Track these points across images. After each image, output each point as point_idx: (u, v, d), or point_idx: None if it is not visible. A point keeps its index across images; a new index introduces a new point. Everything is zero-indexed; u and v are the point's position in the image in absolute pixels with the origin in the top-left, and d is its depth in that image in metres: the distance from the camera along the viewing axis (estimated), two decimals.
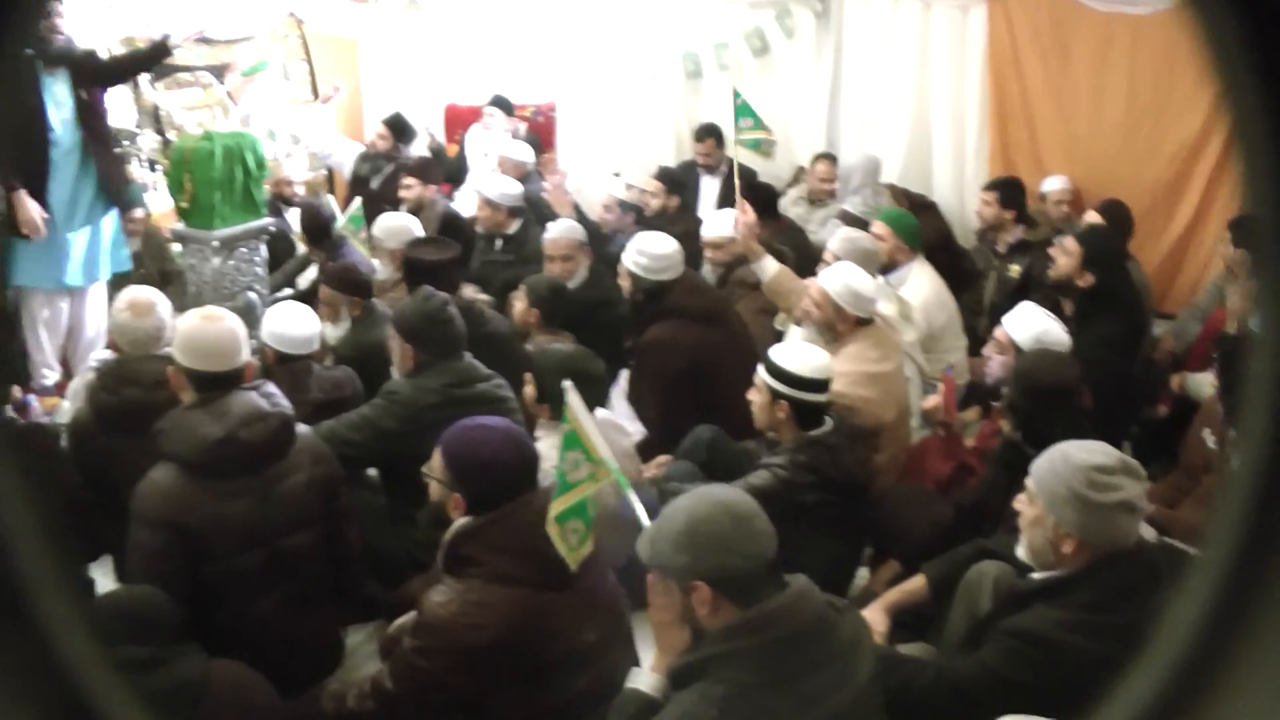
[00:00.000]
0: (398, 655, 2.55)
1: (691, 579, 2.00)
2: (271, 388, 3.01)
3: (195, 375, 2.89)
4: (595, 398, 3.35)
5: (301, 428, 3.09)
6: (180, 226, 5.15)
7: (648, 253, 4.35)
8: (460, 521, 2.53)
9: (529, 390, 3.53)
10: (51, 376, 5.58)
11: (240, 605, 2.84)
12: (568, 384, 2.41)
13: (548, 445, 3.03)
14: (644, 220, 5.94)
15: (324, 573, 3.07)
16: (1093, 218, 5.20)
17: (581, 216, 5.73)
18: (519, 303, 4.60)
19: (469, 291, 4.87)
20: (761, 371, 3.34)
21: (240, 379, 2.94)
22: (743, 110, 4.64)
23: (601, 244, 5.51)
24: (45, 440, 3.40)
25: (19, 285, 5.39)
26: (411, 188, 6.04)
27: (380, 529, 3.62)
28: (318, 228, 5.75)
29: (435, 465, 2.64)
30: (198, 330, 2.93)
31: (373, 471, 3.92)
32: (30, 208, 5.15)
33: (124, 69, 5.73)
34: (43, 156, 5.21)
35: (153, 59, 5.62)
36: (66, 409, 4.94)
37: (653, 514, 2.22)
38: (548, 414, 3.43)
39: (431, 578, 3.01)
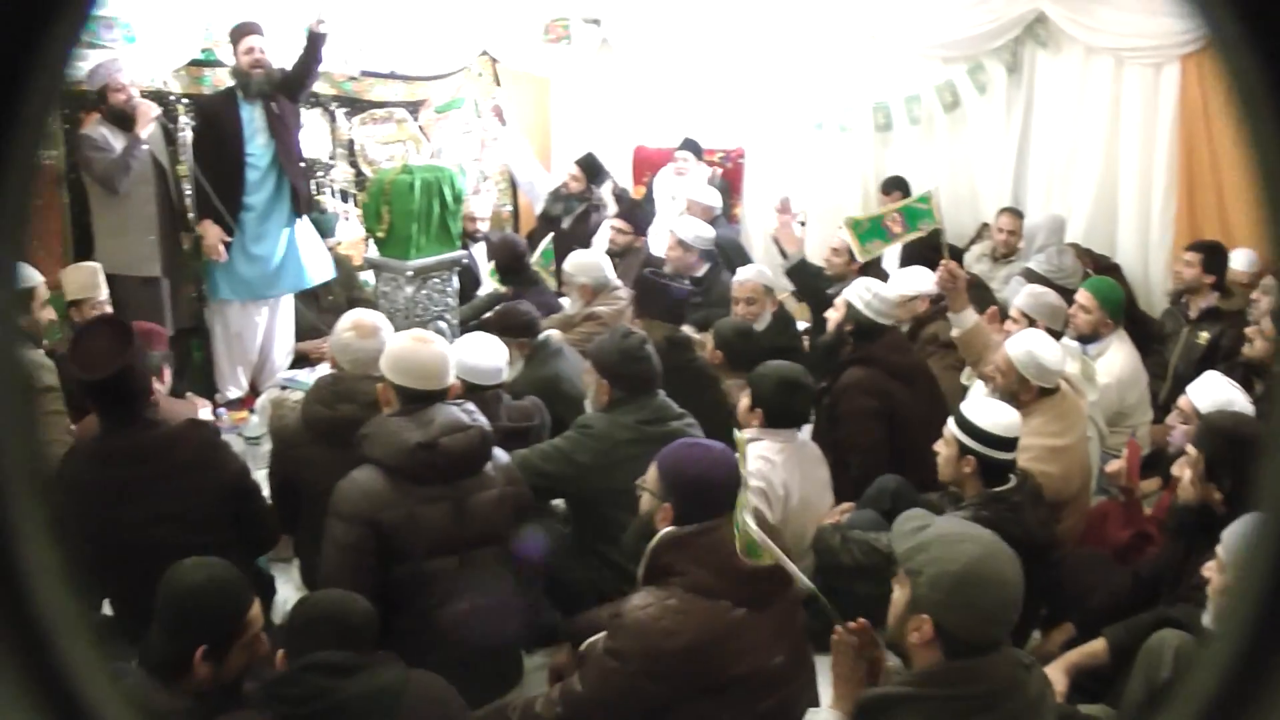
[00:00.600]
0: (590, 658, 2.61)
1: (927, 613, 2.06)
2: (472, 406, 3.20)
3: (404, 391, 3.12)
4: (802, 410, 3.79)
5: (498, 451, 3.22)
6: (375, 255, 5.26)
7: (880, 295, 4.39)
8: (665, 530, 2.61)
9: (744, 401, 3.73)
10: (236, 391, 5.81)
11: (426, 610, 2.95)
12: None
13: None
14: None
15: (509, 589, 3.16)
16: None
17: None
18: (706, 344, 4.62)
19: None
20: (951, 425, 3.33)
21: (444, 397, 3.14)
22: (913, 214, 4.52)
23: (822, 283, 5.55)
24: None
25: (220, 299, 5.66)
26: (624, 233, 6.10)
27: (565, 559, 3.67)
28: (512, 260, 5.85)
29: (650, 477, 2.74)
30: (410, 350, 3.17)
31: (559, 502, 3.96)
32: (212, 234, 5.46)
33: (302, 71, 5.88)
34: (239, 177, 5.52)
35: (314, 49, 5.78)
36: (254, 423, 5.10)
37: None
38: (760, 420, 3.65)
39: (613, 609, 3.00)
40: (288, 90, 5.76)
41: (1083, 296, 4.72)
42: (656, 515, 2.64)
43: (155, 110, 5.29)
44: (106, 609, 3.35)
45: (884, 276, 5.31)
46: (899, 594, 2.17)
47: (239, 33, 5.62)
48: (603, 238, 6.63)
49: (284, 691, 2.28)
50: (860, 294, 4.38)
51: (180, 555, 2.88)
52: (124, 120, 5.30)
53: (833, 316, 4.55)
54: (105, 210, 5.41)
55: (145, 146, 5.29)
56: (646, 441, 3.38)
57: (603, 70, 8.15)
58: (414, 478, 2.96)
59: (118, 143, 5.28)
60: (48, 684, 0.66)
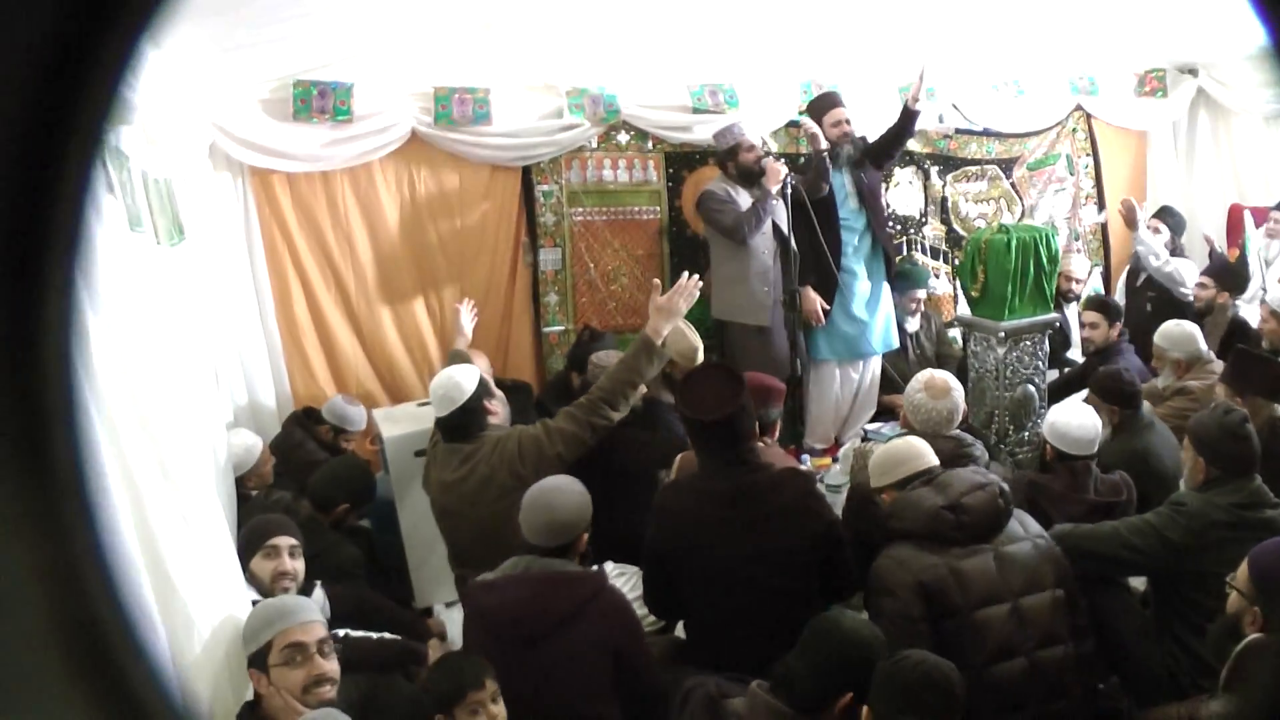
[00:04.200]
0: None
1: None
2: (980, 468, 3.30)
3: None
4: None
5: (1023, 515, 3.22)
6: (967, 314, 5.35)
7: None
8: (1253, 637, 2.48)
9: None
10: (823, 443, 6.15)
11: (984, 665, 2.92)
12: None
13: None
14: None
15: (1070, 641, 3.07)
16: None
17: None
18: None
19: None
20: None
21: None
22: None
23: None
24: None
25: (818, 358, 6.04)
26: (1206, 288, 5.78)
27: (1142, 642, 3.55)
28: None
29: (1240, 576, 2.61)
30: (884, 454, 3.36)
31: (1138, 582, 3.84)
32: (812, 299, 5.81)
33: (891, 144, 6.17)
34: (837, 237, 5.85)
35: (908, 124, 6.02)
36: (835, 471, 5.40)
37: None
38: None
39: (1193, 704, 2.87)
40: (875, 159, 6.08)
41: None
42: (1245, 618, 2.51)
43: (784, 171, 5.59)
44: (680, 631, 3.69)
45: None
46: None
47: (825, 105, 5.97)
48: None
49: None
50: None
51: (771, 595, 3.19)
52: (748, 177, 5.73)
53: None
54: (726, 261, 5.85)
55: (775, 202, 5.62)
56: (1242, 526, 3.26)
57: (1199, 123, 7.72)
58: (945, 540, 3.01)
59: (740, 198, 5.70)
60: None
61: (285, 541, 3.45)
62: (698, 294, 4.13)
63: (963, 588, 2.95)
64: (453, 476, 3.80)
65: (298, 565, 3.45)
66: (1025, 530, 3.14)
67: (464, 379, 3.92)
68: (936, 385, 3.83)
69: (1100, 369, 4.72)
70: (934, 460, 3.26)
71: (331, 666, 2.72)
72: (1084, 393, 4.76)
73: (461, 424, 3.88)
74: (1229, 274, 5.94)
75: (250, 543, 3.43)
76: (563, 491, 3.20)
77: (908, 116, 5.94)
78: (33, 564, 0.59)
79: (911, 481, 3.23)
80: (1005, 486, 3.14)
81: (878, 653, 2.48)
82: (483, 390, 3.95)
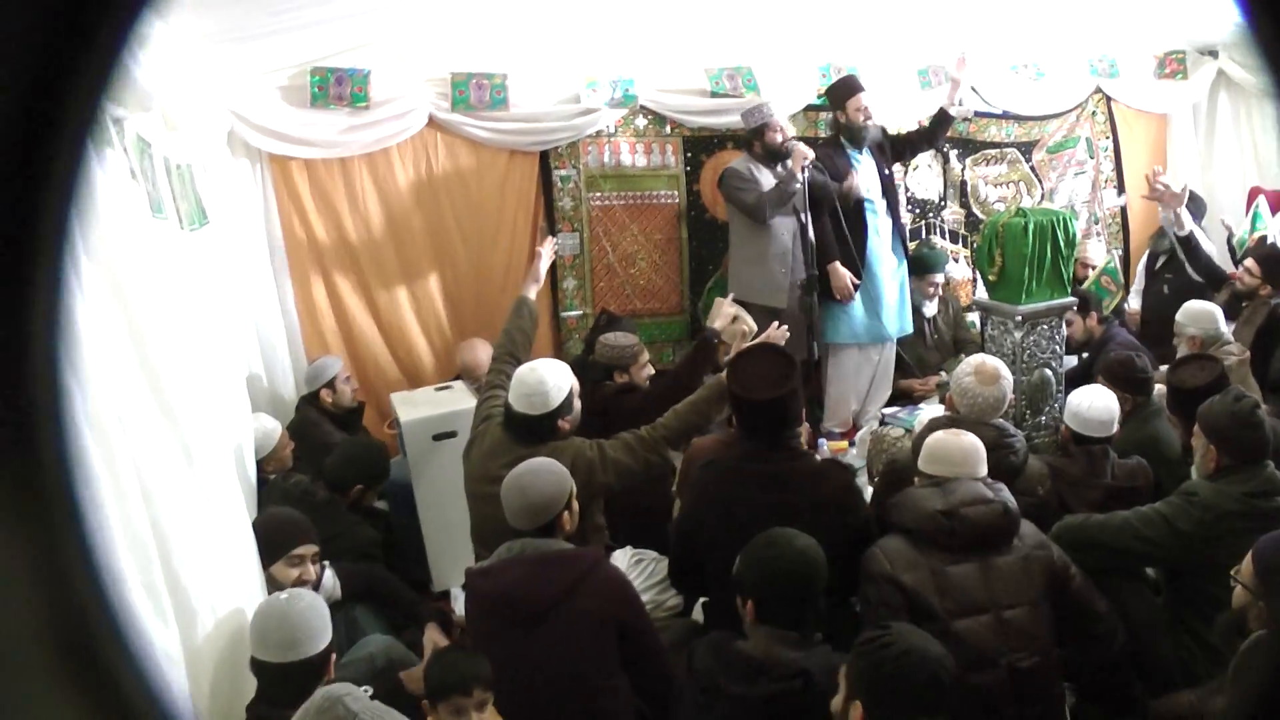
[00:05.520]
0: None
1: None
2: (999, 486, 3.13)
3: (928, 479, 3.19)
4: None
5: (1026, 526, 3.15)
6: (985, 298, 5.34)
7: None
8: (1259, 633, 2.45)
9: None
10: (841, 427, 6.15)
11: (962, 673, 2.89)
12: None
13: None
14: None
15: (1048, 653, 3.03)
16: None
17: None
18: None
19: None
20: None
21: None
22: None
23: None
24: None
25: (836, 342, 6.03)
26: (1254, 275, 5.72)
27: (1154, 631, 3.53)
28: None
29: (1244, 569, 2.58)
30: (936, 442, 3.25)
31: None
32: (843, 275, 5.79)
33: (921, 143, 6.31)
34: (861, 221, 5.85)
35: (944, 127, 6.10)
36: (853, 454, 5.40)
37: None
38: None
39: (1205, 693, 2.87)
40: (897, 153, 6.08)
41: None
42: (1251, 613, 2.50)
43: (810, 154, 5.57)
44: (697, 614, 3.71)
45: None
46: None
47: (848, 90, 5.95)
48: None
49: None
50: None
51: None
52: (773, 157, 5.75)
53: None
54: (745, 241, 5.86)
55: (798, 185, 5.57)
56: (1254, 516, 3.23)
57: (1220, 105, 7.68)
58: (936, 544, 2.98)
59: (763, 178, 5.72)
60: None
61: (309, 550, 3.54)
62: (783, 343, 4.04)
63: (943, 594, 2.92)
64: (498, 472, 3.71)
65: (316, 569, 3.57)
66: (1022, 540, 3.08)
67: (554, 389, 3.74)
68: (987, 371, 3.82)
69: (1111, 355, 4.71)
70: (984, 471, 3.21)
71: None
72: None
73: (530, 428, 3.75)
74: (1278, 266, 5.82)
75: (273, 545, 3.49)
76: (536, 473, 3.20)
77: (943, 120, 5.96)
78: (21, 564, 0.59)
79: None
80: (1013, 505, 3.07)
81: (819, 554, 2.73)
82: (566, 408, 3.79)
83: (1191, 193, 6.82)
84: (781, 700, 2.53)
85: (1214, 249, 6.33)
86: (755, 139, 5.84)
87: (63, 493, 0.61)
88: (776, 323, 4.16)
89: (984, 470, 3.19)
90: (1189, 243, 5.93)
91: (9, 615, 0.58)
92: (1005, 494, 3.09)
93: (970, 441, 3.21)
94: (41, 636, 0.59)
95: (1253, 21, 0.54)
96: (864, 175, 5.94)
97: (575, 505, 3.28)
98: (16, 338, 0.59)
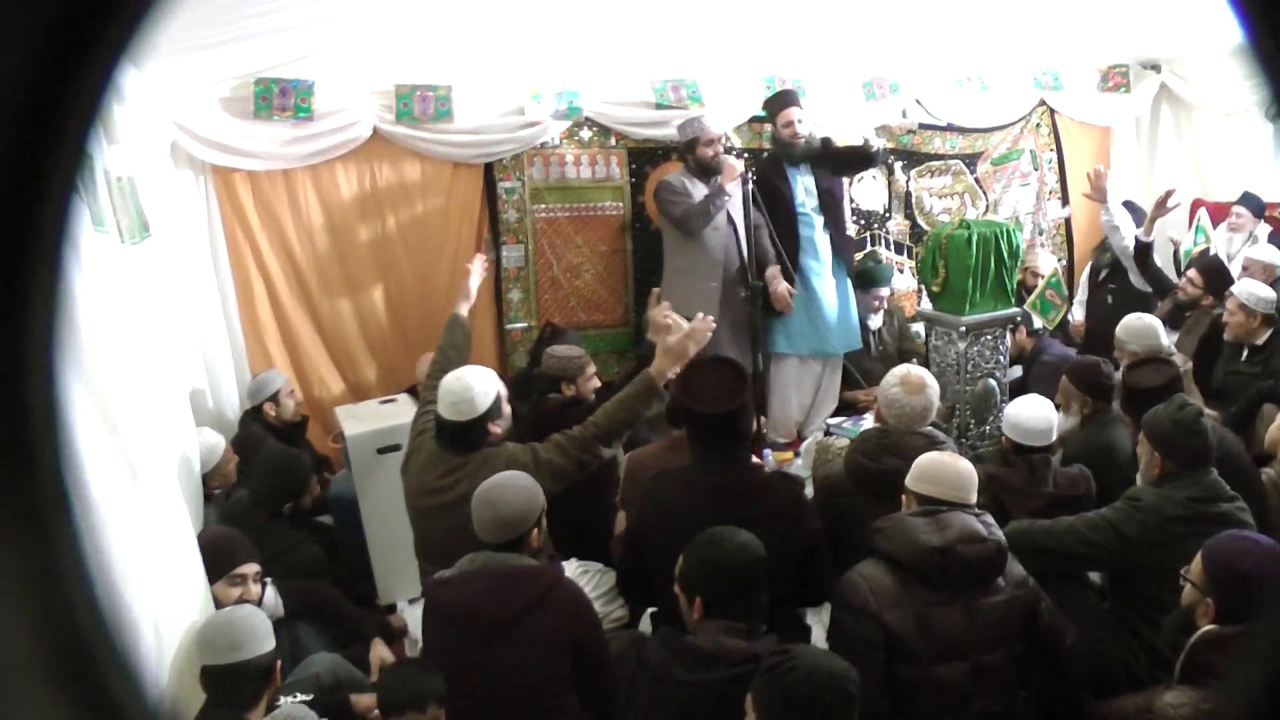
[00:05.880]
0: None
1: None
2: (989, 519, 3.01)
3: (922, 499, 3.09)
4: None
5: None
6: (929, 309, 5.38)
7: None
8: (1206, 629, 2.51)
9: None
10: (785, 438, 6.16)
11: (934, 717, 2.84)
12: None
13: None
14: None
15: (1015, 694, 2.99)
16: None
17: None
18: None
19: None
20: None
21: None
22: None
23: None
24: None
25: (777, 352, 6.05)
26: (1195, 285, 5.80)
27: (1100, 637, 3.54)
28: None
29: (1194, 568, 2.63)
30: (931, 461, 3.15)
31: (1096, 576, 3.87)
32: (780, 285, 5.80)
33: (845, 168, 6.29)
34: (794, 234, 5.87)
35: (866, 163, 6.19)
36: (798, 464, 5.41)
37: None
38: None
39: (1150, 695, 2.88)
40: (831, 169, 6.10)
41: None
42: (1198, 610, 2.54)
43: (740, 167, 5.62)
44: (644, 625, 3.70)
45: None
46: None
47: (777, 105, 5.99)
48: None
49: None
50: None
51: None
52: (706, 171, 5.76)
53: None
54: (677, 253, 5.87)
55: (728, 197, 5.63)
56: (1198, 520, 3.28)
57: (1162, 118, 7.81)
58: (925, 581, 2.87)
59: (696, 191, 5.73)
60: None
61: (250, 569, 3.51)
62: (709, 336, 4.03)
63: (926, 638, 2.83)
64: (435, 484, 3.72)
65: (258, 588, 3.55)
66: (1006, 579, 2.98)
67: (480, 396, 3.74)
68: (912, 381, 3.82)
69: (1079, 359, 4.78)
70: (974, 499, 3.11)
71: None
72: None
73: (459, 436, 3.74)
74: (1219, 277, 5.89)
75: (214, 565, 3.44)
76: (508, 488, 3.18)
77: (868, 157, 6.05)
78: (13, 570, 0.59)
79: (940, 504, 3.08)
80: (1004, 543, 2.98)
81: (760, 548, 2.77)
82: (494, 412, 3.80)
83: (1132, 203, 6.93)
84: (736, 684, 2.52)
85: (1159, 261, 6.43)
86: (688, 152, 5.86)
87: (58, 501, 0.61)
88: (701, 314, 4.12)
89: (974, 498, 3.09)
90: (1147, 251, 6.02)
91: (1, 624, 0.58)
92: (997, 531, 3.00)
93: (965, 468, 3.13)
94: (33, 646, 0.59)
95: (1252, 35, 0.54)
96: (799, 188, 5.96)
97: (544, 523, 3.25)
98: (12, 343, 0.59)
